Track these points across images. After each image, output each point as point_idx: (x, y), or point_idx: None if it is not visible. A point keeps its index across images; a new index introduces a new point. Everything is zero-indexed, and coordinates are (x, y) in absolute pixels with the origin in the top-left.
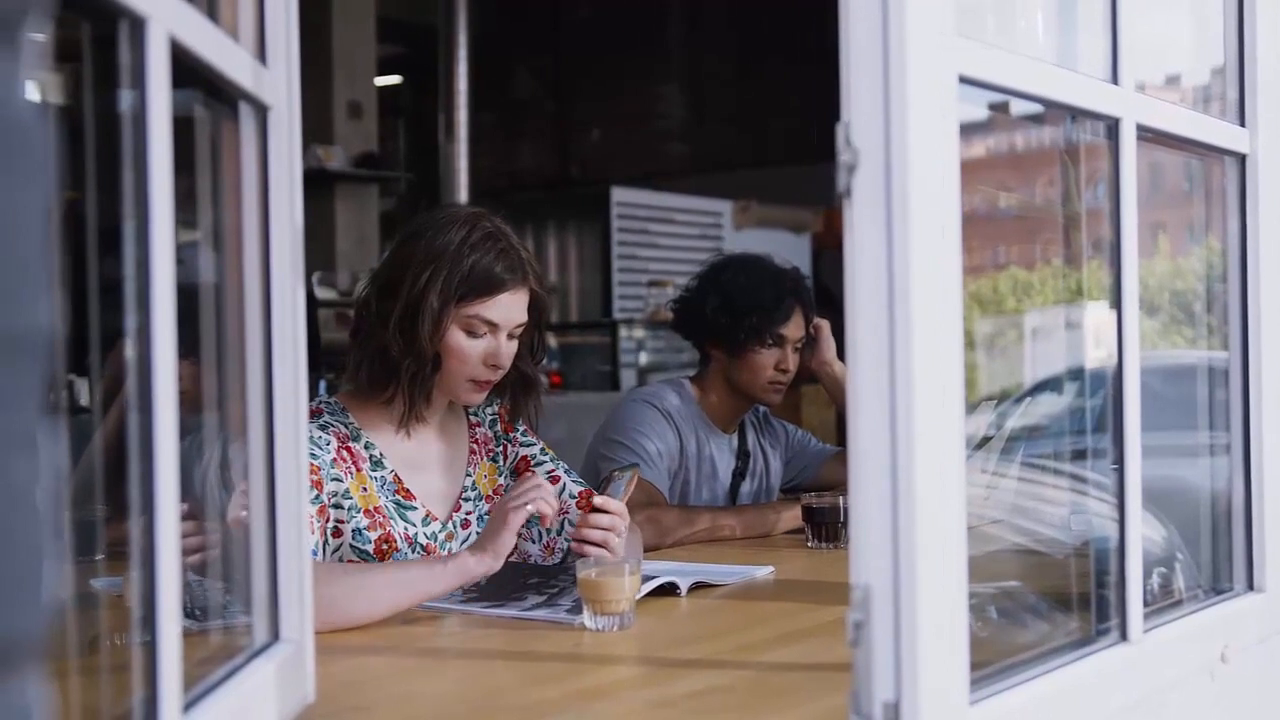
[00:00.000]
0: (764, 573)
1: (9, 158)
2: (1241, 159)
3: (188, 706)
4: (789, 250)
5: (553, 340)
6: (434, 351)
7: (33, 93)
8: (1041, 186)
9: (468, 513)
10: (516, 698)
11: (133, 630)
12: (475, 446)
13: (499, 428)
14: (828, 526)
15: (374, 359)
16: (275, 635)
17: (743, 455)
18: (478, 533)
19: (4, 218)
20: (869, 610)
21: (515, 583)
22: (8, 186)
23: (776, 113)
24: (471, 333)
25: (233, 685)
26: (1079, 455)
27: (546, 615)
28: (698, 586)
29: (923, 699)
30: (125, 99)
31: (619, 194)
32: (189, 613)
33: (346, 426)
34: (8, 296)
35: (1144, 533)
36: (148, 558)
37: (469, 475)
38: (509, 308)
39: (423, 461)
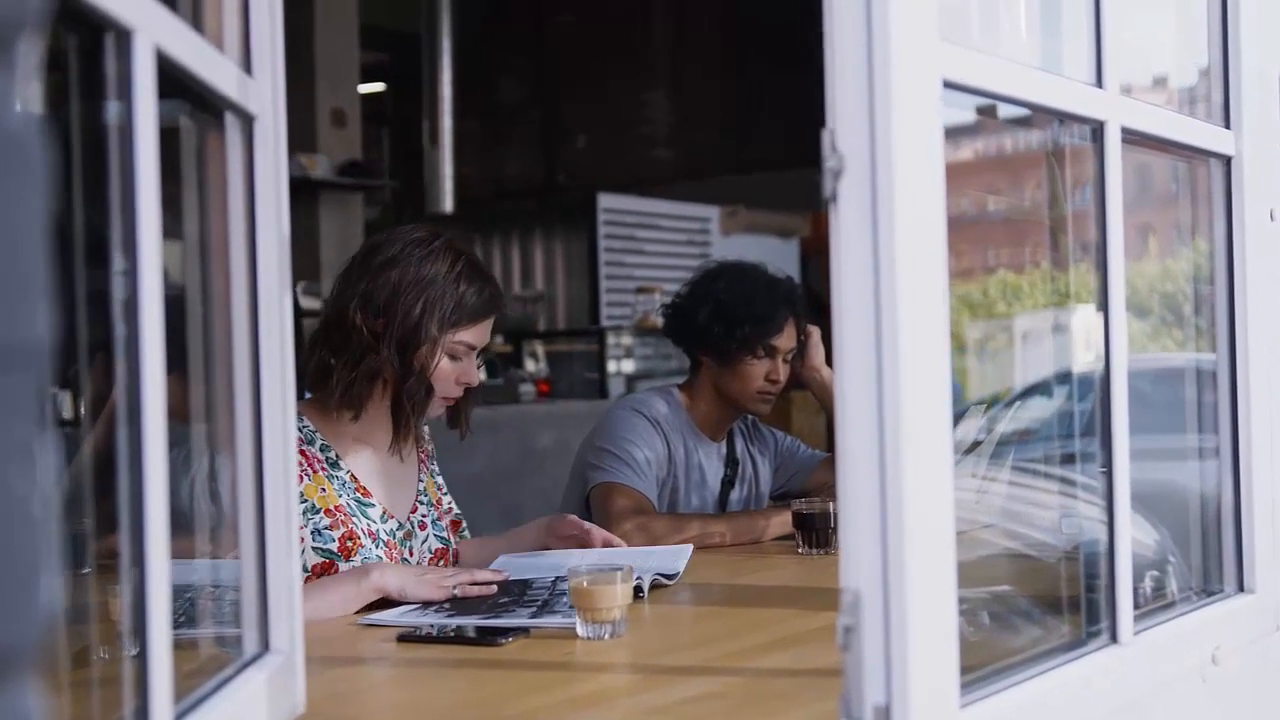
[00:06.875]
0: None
1: (7, 171)
2: (1227, 161)
3: (179, 717)
4: (777, 255)
5: (540, 348)
6: (429, 377)
7: (28, 105)
8: (1030, 189)
9: (423, 515)
10: (509, 707)
11: (117, 643)
12: (423, 457)
13: (432, 447)
14: (818, 532)
15: (363, 380)
16: (265, 646)
17: (731, 463)
18: (435, 535)
19: (3, 230)
20: (859, 614)
21: (501, 598)
22: (6, 199)
23: (763, 118)
24: (453, 357)
25: (224, 696)
26: (1069, 459)
27: (551, 621)
28: (658, 586)
29: (913, 702)
30: (111, 109)
31: (606, 200)
32: (176, 622)
33: (301, 430)
34: (7, 308)
35: (1137, 536)
36: (138, 570)
37: (420, 481)
38: (488, 332)
39: (379, 467)
